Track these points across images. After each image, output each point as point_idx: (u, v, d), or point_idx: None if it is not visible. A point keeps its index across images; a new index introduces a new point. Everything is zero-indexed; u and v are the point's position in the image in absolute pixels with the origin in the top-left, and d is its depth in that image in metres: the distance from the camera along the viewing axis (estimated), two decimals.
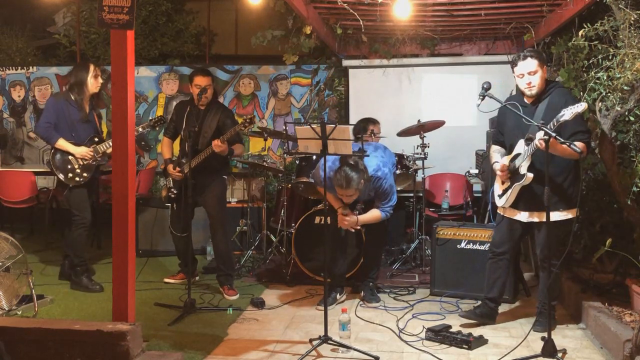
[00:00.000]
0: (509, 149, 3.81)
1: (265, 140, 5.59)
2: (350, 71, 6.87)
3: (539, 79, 3.61)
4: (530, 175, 3.57)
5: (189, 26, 8.21)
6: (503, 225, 3.87)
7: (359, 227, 4.33)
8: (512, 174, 3.71)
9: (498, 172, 3.79)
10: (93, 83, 4.80)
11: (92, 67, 4.80)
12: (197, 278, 4.99)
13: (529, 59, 3.59)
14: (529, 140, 3.55)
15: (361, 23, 5.67)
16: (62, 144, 4.68)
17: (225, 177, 4.87)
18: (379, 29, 6.29)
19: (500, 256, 3.87)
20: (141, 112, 7.49)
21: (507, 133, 3.83)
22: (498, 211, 3.93)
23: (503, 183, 3.80)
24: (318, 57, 7.15)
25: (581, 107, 3.18)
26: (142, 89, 7.46)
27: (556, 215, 3.59)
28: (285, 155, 5.76)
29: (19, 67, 7.82)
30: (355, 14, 5.44)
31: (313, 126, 3.56)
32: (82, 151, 4.70)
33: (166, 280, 4.99)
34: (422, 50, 6.78)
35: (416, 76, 6.76)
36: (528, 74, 3.60)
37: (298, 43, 6.30)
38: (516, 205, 3.75)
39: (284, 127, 5.15)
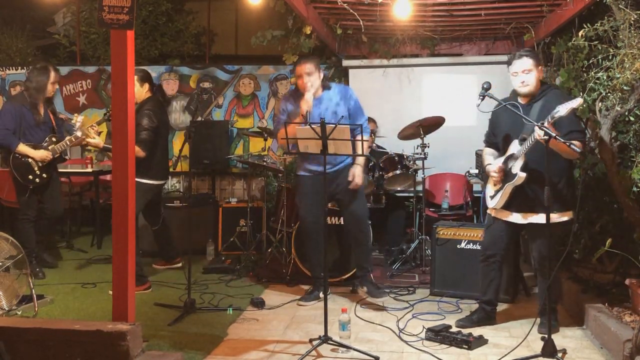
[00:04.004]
0: (502, 150, 3.81)
1: (265, 140, 5.59)
2: (350, 71, 6.86)
3: (533, 79, 3.62)
4: (523, 174, 3.56)
5: (189, 26, 8.20)
6: (494, 227, 3.86)
7: (362, 178, 4.37)
8: (505, 175, 3.71)
9: (492, 174, 3.79)
10: (51, 88, 4.96)
11: (52, 73, 4.94)
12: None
13: (524, 57, 3.61)
14: (522, 141, 3.55)
15: (361, 23, 5.67)
16: (22, 149, 4.86)
17: (143, 180, 4.62)
18: (379, 29, 6.29)
19: (491, 259, 3.87)
20: None
21: (500, 134, 3.83)
22: (488, 212, 3.93)
23: (495, 184, 3.80)
24: (318, 57, 7.14)
25: (576, 102, 3.19)
26: None
27: (551, 217, 3.58)
28: (285, 155, 5.76)
29: (19, 67, 7.82)
30: (355, 14, 5.44)
31: (313, 126, 3.57)
32: (41, 155, 4.89)
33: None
34: (422, 50, 6.78)
35: (416, 76, 6.75)
36: (522, 72, 3.62)
37: (298, 43, 6.30)
38: (508, 206, 3.74)
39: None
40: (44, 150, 4.90)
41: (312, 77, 4.23)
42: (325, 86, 4.36)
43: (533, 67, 3.61)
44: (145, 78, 4.79)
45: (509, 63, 3.69)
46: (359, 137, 4.27)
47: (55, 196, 5.13)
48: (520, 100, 3.72)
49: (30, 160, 4.88)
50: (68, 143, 4.93)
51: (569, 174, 3.66)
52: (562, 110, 3.20)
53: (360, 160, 4.38)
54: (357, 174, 4.30)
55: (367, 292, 4.34)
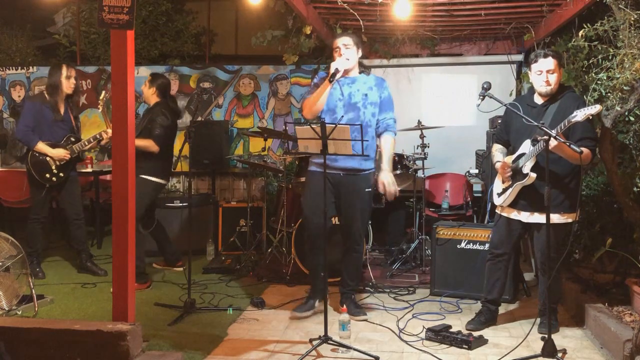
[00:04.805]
0: (513, 148, 3.80)
1: (265, 140, 5.60)
2: None
3: (556, 79, 3.62)
4: (534, 175, 3.56)
5: (188, 26, 8.20)
6: (501, 225, 3.86)
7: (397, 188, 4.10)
8: (515, 173, 3.71)
9: (503, 172, 3.78)
10: (66, 84, 4.95)
11: (64, 69, 4.97)
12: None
13: (550, 57, 3.60)
14: (535, 141, 3.54)
15: (361, 23, 5.67)
16: (41, 147, 4.87)
17: (145, 176, 4.75)
18: (379, 29, 6.29)
19: (500, 257, 3.86)
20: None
21: (512, 133, 3.82)
22: (496, 210, 3.92)
23: (504, 182, 3.80)
24: (318, 57, 7.14)
25: (595, 109, 3.17)
26: None
27: (557, 218, 3.59)
28: (284, 155, 5.77)
29: (19, 67, 7.82)
30: (355, 14, 5.44)
31: (313, 126, 3.56)
32: (59, 153, 4.90)
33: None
34: (422, 50, 6.78)
35: (416, 76, 6.76)
36: (547, 72, 3.61)
37: (298, 43, 6.29)
38: (516, 204, 3.74)
39: (284, 127, 5.16)
40: (62, 148, 4.91)
41: (348, 50, 4.04)
42: (363, 71, 4.19)
43: (556, 68, 3.61)
44: (154, 82, 4.96)
45: (532, 61, 3.68)
46: (387, 134, 4.16)
47: (74, 196, 5.11)
48: (538, 99, 3.71)
49: (48, 158, 4.88)
50: (86, 143, 4.95)
51: (579, 177, 3.66)
52: (580, 115, 3.19)
53: (387, 164, 4.09)
54: (387, 183, 4.03)
55: (348, 311, 3.85)
